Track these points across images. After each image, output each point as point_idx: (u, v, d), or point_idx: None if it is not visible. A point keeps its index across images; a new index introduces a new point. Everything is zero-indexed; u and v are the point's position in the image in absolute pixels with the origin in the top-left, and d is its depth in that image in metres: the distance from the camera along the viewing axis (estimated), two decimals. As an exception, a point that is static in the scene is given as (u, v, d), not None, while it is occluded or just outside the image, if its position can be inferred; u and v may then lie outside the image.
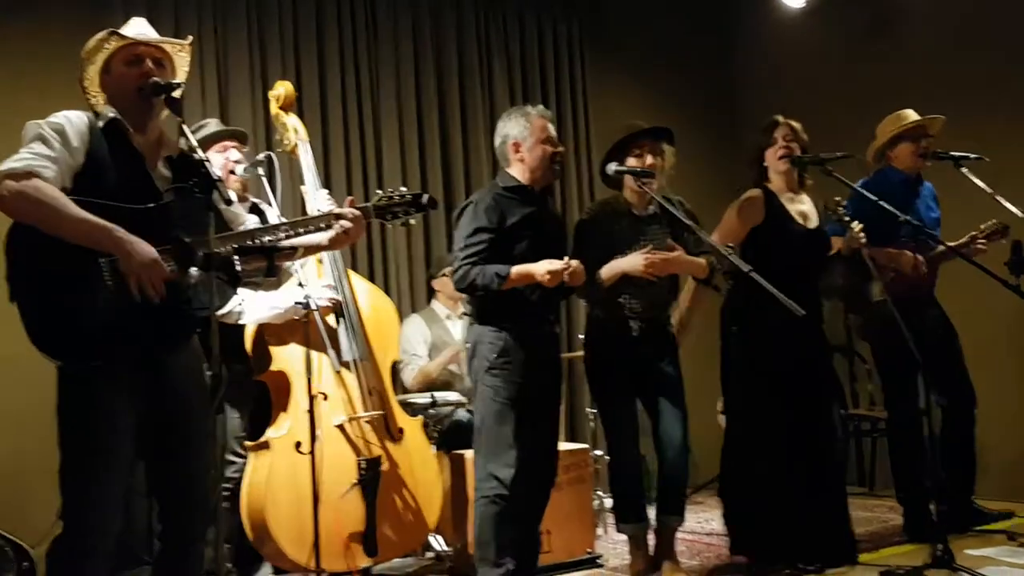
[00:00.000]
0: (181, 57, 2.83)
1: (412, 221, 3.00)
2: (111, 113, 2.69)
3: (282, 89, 4.26)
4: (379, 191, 3.04)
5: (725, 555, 4.38)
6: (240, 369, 3.90)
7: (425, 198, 2.99)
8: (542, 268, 3.61)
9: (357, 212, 2.90)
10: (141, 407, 2.61)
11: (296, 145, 4.18)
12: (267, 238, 2.77)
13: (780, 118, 4.17)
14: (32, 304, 2.50)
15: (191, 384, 2.75)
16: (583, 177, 6.38)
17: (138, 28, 2.79)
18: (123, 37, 2.73)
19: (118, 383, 2.57)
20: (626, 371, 4.01)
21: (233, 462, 3.85)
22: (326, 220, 2.87)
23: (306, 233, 2.85)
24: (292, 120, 4.24)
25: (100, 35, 2.74)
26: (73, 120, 2.63)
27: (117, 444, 2.58)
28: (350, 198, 3.03)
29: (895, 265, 4.39)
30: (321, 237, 2.90)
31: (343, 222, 2.86)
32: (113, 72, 2.73)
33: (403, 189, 3.03)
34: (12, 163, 2.52)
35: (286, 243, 2.84)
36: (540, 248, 3.74)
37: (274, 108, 4.25)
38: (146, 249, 2.52)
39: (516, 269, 3.63)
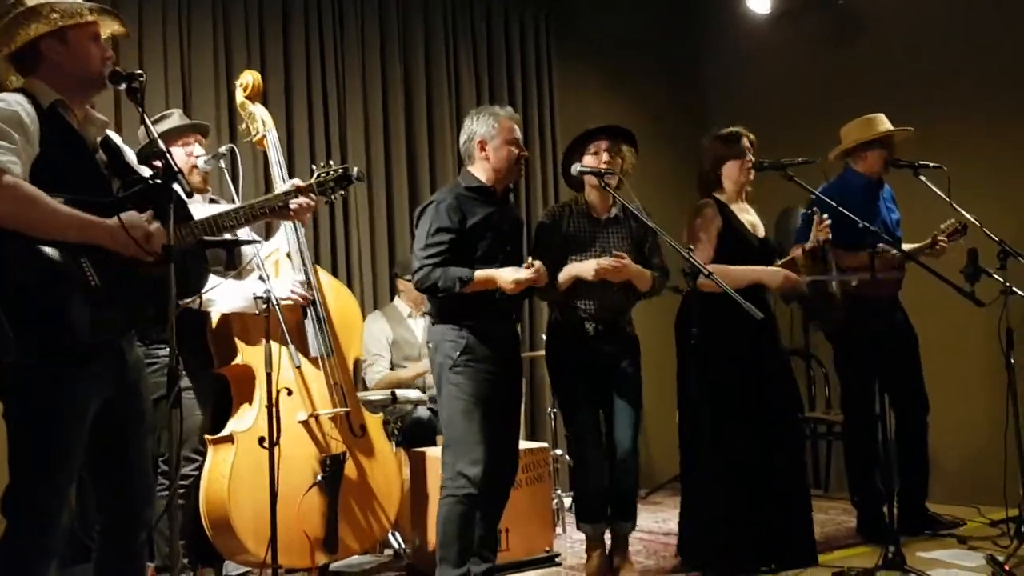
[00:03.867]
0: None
1: (342, 192, 3.16)
2: (52, 95, 2.55)
3: (249, 78, 4.18)
4: (314, 167, 3.19)
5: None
6: (199, 363, 3.86)
7: (354, 171, 3.16)
8: (508, 277, 3.62)
9: (310, 193, 3.03)
10: (100, 403, 2.57)
11: (264, 136, 4.14)
12: (229, 223, 2.78)
13: (742, 130, 4.23)
14: (12, 307, 2.34)
15: (141, 378, 2.73)
16: (548, 176, 6.38)
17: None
18: (116, 16, 2.66)
19: (89, 379, 2.51)
20: (586, 372, 4.04)
21: (193, 459, 3.82)
22: (281, 200, 2.95)
23: (263, 215, 2.92)
24: (259, 110, 4.17)
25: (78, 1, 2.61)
26: (24, 105, 2.47)
27: (79, 441, 2.53)
28: (294, 180, 3.11)
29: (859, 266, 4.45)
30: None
31: (301, 199, 2.97)
32: (72, 42, 2.57)
33: (331, 163, 3.20)
34: None
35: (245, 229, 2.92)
36: (500, 248, 3.77)
37: (240, 97, 4.19)
38: (135, 219, 2.47)
39: (480, 274, 3.64)
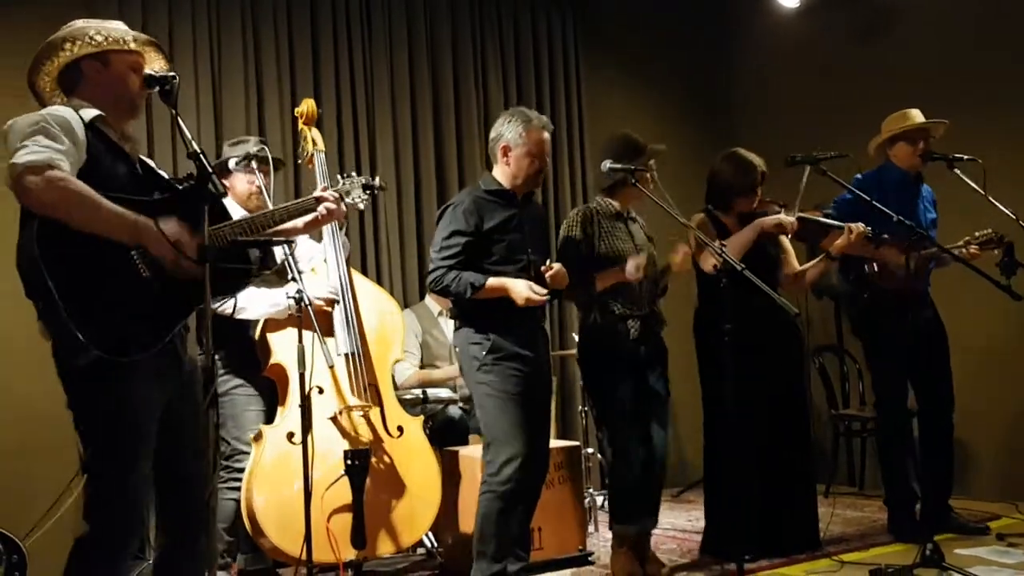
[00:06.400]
0: None
1: (364, 199, 3.55)
2: (93, 111, 2.65)
3: (305, 107, 4.40)
4: (340, 176, 3.58)
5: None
6: (250, 365, 4.00)
7: (377, 181, 3.62)
8: (521, 292, 3.61)
9: (337, 195, 3.26)
10: (165, 399, 2.63)
11: (312, 155, 4.31)
12: (263, 223, 2.91)
13: (759, 164, 4.33)
14: (76, 300, 2.41)
15: (195, 380, 2.76)
16: (576, 176, 6.38)
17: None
18: (161, 51, 2.80)
19: (152, 375, 2.56)
20: (628, 373, 4.03)
21: (247, 453, 3.89)
22: (310, 204, 3.17)
23: (297, 216, 3.10)
24: (314, 132, 4.38)
25: (124, 30, 2.74)
26: (71, 115, 2.58)
27: (151, 439, 2.58)
28: (323, 185, 3.39)
29: (879, 257, 4.43)
30: (299, 221, 3.15)
31: (326, 204, 3.17)
32: (115, 69, 2.71)
33: (354, 174, 3.61)
34: (29, 155, 2.42)
35: (279, 227, 3.06)
36: (522, 250, 3.76)
37: (300, 124, 4.40)
38: (173, 228, 2.56)
39: (491, 282, 3.63)
